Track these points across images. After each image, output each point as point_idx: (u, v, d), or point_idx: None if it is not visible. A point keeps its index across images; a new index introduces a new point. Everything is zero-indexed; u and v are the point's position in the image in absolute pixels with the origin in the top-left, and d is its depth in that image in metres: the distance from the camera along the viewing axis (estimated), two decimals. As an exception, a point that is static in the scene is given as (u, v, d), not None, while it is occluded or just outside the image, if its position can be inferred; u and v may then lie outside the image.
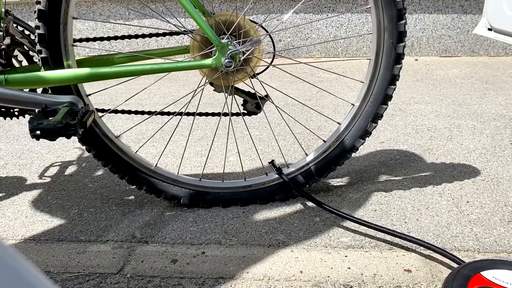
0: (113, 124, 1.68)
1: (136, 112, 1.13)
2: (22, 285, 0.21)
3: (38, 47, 0.93)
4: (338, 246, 0.95)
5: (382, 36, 1.00)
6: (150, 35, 1.09)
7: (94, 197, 1.19)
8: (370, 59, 1.04)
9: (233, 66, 0.95)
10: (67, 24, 0.93)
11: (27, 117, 1.09)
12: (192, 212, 1.10)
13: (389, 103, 1.07)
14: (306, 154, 1.13)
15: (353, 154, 1.14)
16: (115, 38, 1.06)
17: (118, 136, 1.08)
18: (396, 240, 0.95)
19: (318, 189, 1.18)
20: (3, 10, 1.00)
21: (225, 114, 1.12)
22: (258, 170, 1.30)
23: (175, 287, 0.85)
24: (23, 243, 1.00)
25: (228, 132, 1.29)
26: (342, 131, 1.09)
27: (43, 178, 1.31)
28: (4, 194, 1.23)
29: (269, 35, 1.03)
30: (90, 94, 1.04)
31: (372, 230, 0.98)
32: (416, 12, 2.53)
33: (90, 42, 1.07)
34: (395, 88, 1.04)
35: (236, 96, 1.08)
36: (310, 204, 1.11)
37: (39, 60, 0.94)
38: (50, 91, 0.97)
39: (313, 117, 1.70)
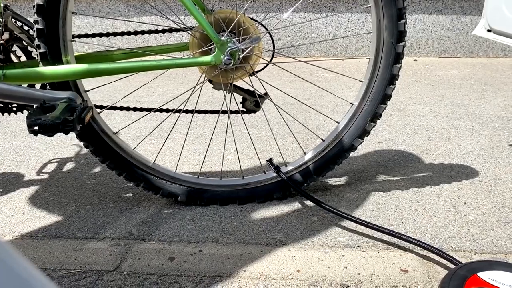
0: (111, 121, 1.68)
1: (135, 109, 1.13)
2: (18, 283, 0.21)
3: (36, 42, 0.92)
4: (335, 245, 0.95)
5: (382, 35, 1.00)
6: (150, 32, 1.09)
7: (92, 194, 1.19)
8: (369, 58, 1.04)
9: (232, 63, 0.95)
10: (66, 20, 0.92)
11: (26, 113, 1.09)
12: (190, 210, 1.10)
13: (388, 103, 1.07)
14: (305, 153, 1.13)
15: (352, 154, 1.14)
16: (114, 34, 1.06)
17: (116, 133, 1.07)
18: (393, 240, 0.95)
19: (316, 188, 1.18)
20: (2, 5, 0.99)
21: (224, 112, 1.12)
22: (256, 169, 1.30)
23: (171, 285, 0.85)
24: (20, 240, 1.00)
25: (226, 130, 1.28)
26: (340, 130, 1.09)
27: (41, 174, 1.31)
28: (1, 190, 1.22)
29: (269, 33, 1.03)
30: (88, 90, 1.04)
31: (370, 229, 0.98)
32: (416, 13, 2.53)
33: (89, 38, 1.06)
34: (394, 87, 1.04)
35: (235, 94, 1.08)
36: (307, 203, 1.11)
37: (37, 55, 0.94)
38: (48, 87, 0.97)
39: (312, 116, 1.70)
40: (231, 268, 0.89)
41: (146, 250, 0.95)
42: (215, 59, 0.95)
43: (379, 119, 1.08)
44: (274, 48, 1.04)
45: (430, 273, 0.86)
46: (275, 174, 1.11)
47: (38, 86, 1.02)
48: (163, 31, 1.11)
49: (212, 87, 1.06)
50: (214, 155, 1.39)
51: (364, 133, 1.08)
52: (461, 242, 0.95)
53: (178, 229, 1.02)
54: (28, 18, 1.09)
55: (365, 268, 0.88)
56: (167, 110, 1.14)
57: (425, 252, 0.91)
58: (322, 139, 1.12)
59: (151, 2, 2.56)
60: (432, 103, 1.82)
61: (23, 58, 1.09)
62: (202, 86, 1.06)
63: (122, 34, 1.06)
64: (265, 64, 1.05)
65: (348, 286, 0.84)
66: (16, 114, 1.13)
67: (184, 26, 1.04)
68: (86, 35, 1.06)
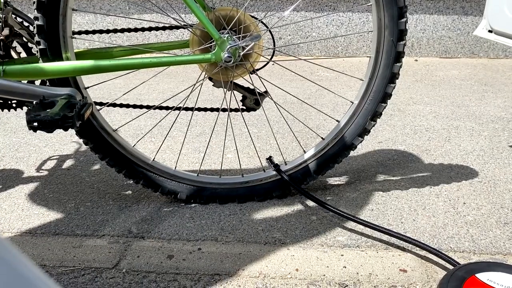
0: (111, 119, 1.67)
1: (134, 106, 1.12)
2: (19, 280, 0.21)
3: (36, 38, 0.92)
4: (334, 245, 0.95)
5: (383, 34, 0.99)
6: (150, 29, 1.08)
7: (91, 191, 1.19)
8: (370, 57, 1.04)
9: (232, 61, 0.95)
10: (67, 16, 0.92)
11: (25, 109, 1.09)
12: (189, 208, 1.10)
13: (388, 102, 1.07)
14: (304, 151, 1.13)
15: (351, 153, 1.14)
16: (115, 31, 1.05)
17: (116, 130, 1.07)
18: (392, 240, 0.95)
19: (316, 187, 1.18)
20: (2, 0, 0.99)
21: (224, 110, 1.12)
22: (256, 168, 1.30)
23: (170, 283, 0.85)
24: (19, 236, 1.00)
25: (226, 128, 1.28)
26: (341, 128, 1.08)
27: (40, 171, 1.31)
28: (0, 187, 1.22)
29: (269, 31, 1.03)
30: (88, 87, 1.03)
31: (369, 229, 0.98)
32: (417, 13, 2.52)
33: (90, 34, 1.06)
34: (394, 86, 1.04)
35: (235, 92, 1.07)
36: (307, 202, 1.11)
37: (37, 51, 0.94)
38: (48, 83, 0.96)
39: (312, 115, 1.70)
40: (230, 266, 0.89)
41: (145, 248, 0.95)
42: (215, 56, 0.95)
43: (379, 118, 1.07)
44: (274, 46, 1.04)
45: (429, 273, 0.86)
46: (274, 173, 1.11)
47: (38, 82, 1.02)
48: (164, 28, 1.10)
49: (212, 85, 1.06)
50: (214, 153, 1.39)
51: (364, 131, 1.07)
52: (460, 243, 0.95)
53: (177, 227, 1.02)
54: (29, 15, 1.09)
55: (364, 267, 0.88)
56: (167, 108, 1.14)
57: (424, 252, 0.91)
58: (322, 138, 1.12)
59: (152, 0, 2.55)
60: (433, 103, 1.82)
61: (23, 54, 1.08)
62: (202, 84, 1.06)
63: (122, 31, 1.06)
64: (265, 62, 1.04)
65: (347, 286, 0.83)
66: (15, 110, 1.12)
67: (185, 23, 1.04)
68: (86, 32, 1.06)
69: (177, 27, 1.09)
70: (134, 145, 1.11)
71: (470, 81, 2.12)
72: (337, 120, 1.12)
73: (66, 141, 1.50)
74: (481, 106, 1.77)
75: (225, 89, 1.05)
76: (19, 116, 1.73)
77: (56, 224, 1.04)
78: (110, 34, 2.56)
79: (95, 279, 0.86)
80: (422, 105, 1.80)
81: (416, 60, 2.52)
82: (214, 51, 0.95)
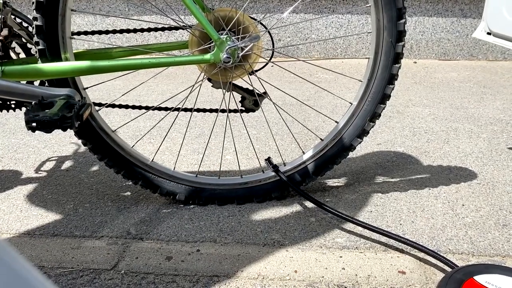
0: (110, 120, 1.67)
1: (134, 107, 1.12)
2: (17, 282, 0.20)
3: (35, 38, 0.92)
4: (333, 246, 0.94)
5: (381, 35, 1.00)
6: (149, 30, 1.08)
7: (90, 192, 1.19)
8: (368, 58, 1.04)
9: (231, 62, 0.95)
10: (66, 16, 0.92)
11: (24, 110, 1.08)
12: (188, 209, 1.09)
13: (387, 103, 1.07)
14: (303, 152, 1.13)
15: (350, 155, 1.14)
16: (114, 32, 1.05)
17: (115, 130, 1.07)
18: (391, 241, 0.95)
19: (314, 189, 1.18)
20: (1, 1, 0.99)
21: (223, 111, 1.12)
22: (255, 169, 1.29)
23: (169, 284, 0.84)
24: (17, 238, 0.99)
25: (225, 130, 1.28)
26: (339, 129, 1.08)
27: (39, 172, 1.30)
28: (-1, 187, 1.22)
29: (268, 32, 1.03)
30: (87, 88, 1.03)
31: (367, 231, 0.98)
32: (416, 15, 2.53)
33: (89, 35, 1.06)
34: (393, 87, 1.04)
35: (234, 92, 1.07)
36: (306, 204, 1.10)
37: (36, 52, 0.93)
38: (47, 84, 0.96)
39: (311, 117, 1.70)
40: (229, 268, 0.88)
41: (143, 249, 0.95)
42: (214, 57, 0.95)
43: (378, 119, 1.07)
44: (273, 47, 1.04)
45: (428, 275, 0.86)
46: (273, 174, 1.11)
47: (37, 83, 1.01)
48: (163, 29, 1.10)
49: (211, 86, 1.06)
50: (213, 154, 1.39)
51: (363, 133, 1.07)
52: (459, 245, 0.94)
53: (176, 228, 1.02)
54: (28, 15, 1.09)
55: (362, 269, 0.88)
56: (166, 109, 1.14)
57: (422, 254, 0.91)
58: (321, 139, 1.12)
59: (152, 1, 2.56)
60: (431, 105, 1.82)
61: (22, 55, 1.08)
62: (201, 85, 1.06)
63: (121, 32, 1.06)
64: (264, 63, 1.04)
65: (346, 287, 0.83)
66: (14, 111, 1.12)
67: (184, 24, 1.04)
68: (86, 33, 1.06)
69: (176, 28, 1.09)
70: (133, 145, 1.10)
71: (469, 83, 2.13)
72: (336, 121, 1.11)
73: (65, 142, 1.50)
74: (480, 108, 1.77)
75: (224, 90, 1.05)
76: (18, 117, 1.73)
77: (54, 225, 1.04)
78: (109, 35, 2.56)
79: (93, 280, 0.86)
80: (421, 107, 1.80)
81: (415, 62, 2.52)
82: (213, 52, 0.95)
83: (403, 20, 0.98)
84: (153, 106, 1.12)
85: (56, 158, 1.39)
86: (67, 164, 1.36)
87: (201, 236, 0.99)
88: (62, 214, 1.08)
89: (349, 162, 1.32)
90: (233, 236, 0.98)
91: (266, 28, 1.03)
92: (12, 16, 1.04)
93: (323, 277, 0.86)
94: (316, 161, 1.10)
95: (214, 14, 0.97)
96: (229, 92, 1.06)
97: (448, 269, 0.85)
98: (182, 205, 1.11)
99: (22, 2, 2.64)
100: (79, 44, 2.56)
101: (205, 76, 1.04)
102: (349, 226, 1.01)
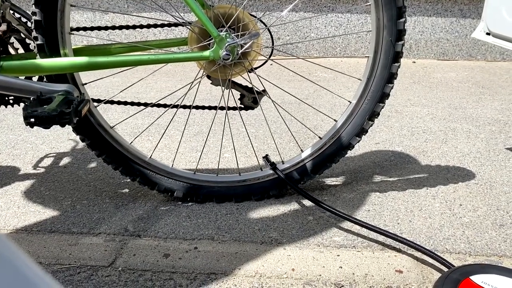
0: (108, 117, 1.66)
1: (132, 104, 1.12)
2: (16, 276, 0.20)
3: (34, 33, 0.91)
4: (331, 245, 0.94)
5: (381, 34, 0.99)
6: (148, 26, 1.08)
7: (88, 189, 1.18)
8: (368, 56, 1.04)
9: (230, 59, 0.95)
10: (65, 12, 0.91)
11: (23, 105, 1.08)
12: (186, 207, 1.09)
13: (386, 102, 1.07)
14: (302, 150, 1.13)
15: (348, 154, 1.14)
16: (113, 28, 1.05)
17: (113, 127, 1.06)
18: (389, 241, 0.95)
19: (313, 187, 1.18)
20: (0, -4, 0.98)
21: (222, 108, 1.11)
22: (253, 167, 1.29)
23: (166, 281, 0.84)
24: (14, 234, 0.99)
25: (223, 127, 1.28)
26: (338, 128, 1.08)
27: (37, 168, 1.30)
28: (-4, 183, 1.21)
29: (268, 29, 1.03)
30: (86, 83, 1.03)
31: (365, 230, 0.98)
32: (415, 15, 2.53)
33: (88, 31, 1.05)
34: (392, 86, 1.04)
35: (233, 90, 1.07)
36: (304, 202, 1.10)
37: (35, 47, 0.93)
38: (45, 79, 0.96)
39: (309, 115, 1.70)
40: (226, 265, 0.88)
41: (141, 246, 0.94)
42: (214, 54, 0.95)
43: (377, 117, 1.07)
44: (273, 44, 1.04)
45: (425, 274, 0.86)
46: (271, 171, 1.10)
47: (35, 79, 1.01)
48: (162, 25, 1.10)
49: (210, 83, 1.06)
50: (211, 152, 1.39)
51: (361, 131, 1.07)
52: (456, 244, 0.95)
53: (173, 226, 1.01)
54: (27, 10, 1.08)
55: (359, 268, 0.88)
56: (165, 106, 1.14)
57: (419, 254, 0.91)
58: (319, 137, 1.12)
59: (151, -1, 2.55)
60: (430, 105, 1.82)
61: (21, 50, 1.08)
62: (200, 82, 1.06)
63: (120, 28, 1.05)
64: (263, 61, 1.04)
65: (343, 286, 0.83)
66: (12, 106, 1.12)
67: (183, 20, 1.04)
68: (85, 28, 1.06)
69: (175, 25, 1.08)
70: (131, 142, 1.10)
71: (467, 83, 2.13)
72: (334, 120, 1.11)
73: (63, 139, 1.49)
74: (478, 109, 1.78)
75: (223, 87, 1.05)
76: (16, 113, 1.72)
77: (52, 222, 1.03)
78: (108, 31, 2.55)
79: (90, 277, 0.85)
80: (420, 106, 1.80)
81: (414, 62, 2.52)
82: (212, 49, 0.95)
83: (403, 19, 0.98)
84: (151, 103, 1.12)
85: (54, 154, 1.39)
86: (65, 160, 1.35)
87: (199, 234, 0.98)
88: (60, 211, 1.08)
89: (348, 161, 1.32)
90: (231, 234, 0.98)
91: (265, 26, 1.03)
92: (11, 11, 1.03)
93: (320, 275, 0.86)
94: (315, 160, 1.10)
95: (214, 11, 0.97)
96: (228, 90, 1.06)
97: (445, 269, 0.85)
98: (180, 203, 1.11)
99: (21, -2, 2.62)
100: (78, 40, 2.55)
101: (204, 73, 1.03)
102: (347, 225, 1.01)
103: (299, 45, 2.62)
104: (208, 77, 1.05)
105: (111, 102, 1.10)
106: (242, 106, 1.10)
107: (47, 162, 1.34)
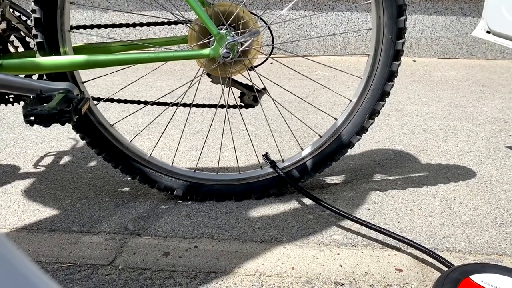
0: (108, 115, 1.66)
1: (132, 102, 1.12)
2: (15, 276, 0.20)
3: (34, 31, 0.91)
4: (331, 243, 0.94)
5: (382, 32, 0.99)
6: (148, 24, 1.08)
7: (88, 188, 1.18)
8: (368, 55, 1.04)
9: (231, 57, 0.94)
10: (65, 9, 0.91)
11: (22, 104, 1.08)
12: (186, 206, 1.09)
13: (386, 101, 1.06)
14: (302, 149, 1.13)
15: (349, 152, 1.14)
16: (113, 26, 1.05)
17: (113, 125, 1.06)
18: (388, 239, 0.95)
19: (313, 186, 1.17)
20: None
21: (222, 106, 1.11)
22: (253, 166, 1.29)
23: (166, 280, 0.84)
24: (14, 232, 0.99)
25: (223, 125, 1.28)
26: (338, 126, 1.08)
27: (37, 167, 1.30)
28: (-4, 181, 1.21)
29: (268, 27, 1.02)
30: (85, 81, 1.02)
31: (365, 228, 0.98)
32: (416, 13, 2.52)
33: (87, 29, 1.05)
34: (393, 84, 1.04)
35: (233, 88, 1.07)
36: (304, 201, 1.10)
37: (35, 45, 0.93)
38: (45, 78, 0.95)
39: (309, 114, 1.69)
40: (226, 264, 0.88)
41: (141, 245, 0.94)
42: (214, 52, 0.95)
43: (377, 116, 1.07)
44: (273, 42, 1.04)
45: (425, 273, 0.86)
46: (271, 170, 1.10)
47: (35, 77, 1.01)
48: (162, 23, 1.10)
49: (210, 81, 1.06)
50: (211, 151, 1.39)
51: (362, 129, 1.07)
52: (456, 243, 0.94)
53: (173, 224, 1.01)
54: (27, 9, 1.08)
55: (359, 266, 0.87)
56: (165, 104, 1.13)
57: (419, 252, 0.91)
58: (319, 135, 1.12)
59: (151, -3, 2.54)
60: (430, 103, 1.82)
61: (21, 49, 1.07)
62: (200, 80, 1.06)
63: (120, 26, 1.05)
64: (264, 59, 1.04)
65: (343, 285, 0.83)
66: (12, 105, 1.11)
67: (183, 18, 1.03)
68: (84, 27, 1.05)
69: (175, 23, 1.08)
70: (131, 140, 1.10)
71: (467, 82, 2.13)
72: (335, 118, 1.11)
73: (63, 137, 1.49)
74: (479, 107, 1.77)
75: (223, 86, 1.04)
76: (16, 112, 1.72)
77: (52, 221, 1.03)
78: (108, 29, 2.54)
79: (90, 275, 0.85)
80: (420, 105, 1.80)
81: (414, 61, 2.52)
82: (212, 47, 0.95)
83: (404, 17, 0.98)
84: (151, 101, 1.12)
85: (54, 153, 1.39)
86: (65, 159, 1.35)
87: (198, 232, 0.98)
88: (60, 209, 1.08)
89: (348, 160, 1.32)
90: (230, 233, 0.98)
91: (266, 24, 1.02)
92: (11, 9, 1.03)
93: (320, 274, 0.86)
94: (315, 158, 1.10)
95: (214, 9, 0.97)
96: (228, 88, 1.05)
97: (445, 268, 0.85)
98: (180, 201, 1.11)
99: (20, -4, 2.62)
100: (77, 39, 2.54)
101: (204, 71, 1.03)
102: (347, 223, 1.01)
103: (299, 44, 2.61)
104: (208, 75, 1.04)
105: (111, 100, 1.10)
106: (242, 104, 1.10)
107: (47, 160, 1.34)
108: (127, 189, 1.17)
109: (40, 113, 0.77)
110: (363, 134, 1.09)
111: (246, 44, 0.95)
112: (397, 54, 1.01)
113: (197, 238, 0.97)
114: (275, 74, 2.17)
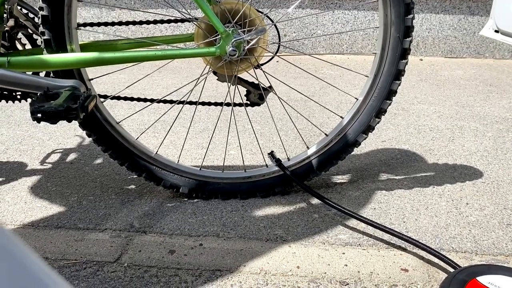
0: (115, 113, 1.67)
1: (138, 99, 1.12)
2: (23, 272, 0.20)
3: (41, 29, 0.92)
4: (336, 243, 0.94)
5: (389, 31, 0.99)
6: (155, 22, 1.08)
7: (94, 185, 1.19)
8: (375, 53, 1.03)
9: (237, 55, 0.94)
10: (72, 7, 0.91)
11: (30, 101, 1.08)
12: (191, 204, 1.09)
13: (393, 101, 1.06)
14: (308, 147, 1.12)
15: (354, 151, 1.13)
16: (119, 24, 1.05)
17: (120, 122, 1.07)
18: (394, 239, 0.94)
19: (318, 185, 1.17)
20: (7, -8, 0.98)
21: (228, 104, 1.11)
22: (258, 165, 1.29)
23: (171, 277, 0.84)
24: (21, 229, 1.00)
25: (229, 124, 1.27)
26: (345, 125, 1.08)
27: (44, 164, 1.30)
28: (4, 179, 1.22)
29: (275, 25, 1.02)
30: (92, 79, 1.03)
31: (371, 228, 0.97)
32: (423, 12, 2.50)
33: (94, 27, 1.05)
34: (399, 83, 1.03)
35: (239, 86, 1.07)
36: (309, 200, 1.10)
37: (42, 43, 0.93)
38: (52, 75, 0.96)
39: (315, 113, 1.69)
40: (231, 262, 0.88)
41: (147, 242, 0.95)
42: (220, 50, 0.94)
43: (383, 115, 1.07)
44: (279, 40, 1.03)
45: (430, 273, 0.85)
46: (277, 168, 1.10)
47: (42, 74, 1.01)
48: (169, 21, 1.10)
49: (217, 79, 1.06)
50: (217, 149, 1.39)
51: (368, 128, 1.07)
52: (462, 243, 0.94)
53: (179, 222, 1.01)
54: (34, 6, 1.09)
55: (365, 266, 0.87)
56: (171, 102, 1.13)
57: (425, 253, 0.90)
58: (325, 134, 1.11)
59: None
60: (437, 103, 1.81)
61: (28, 46, 1.08)
62: (206, 78, 1.05)
63: (127, 24, 1.05)
64: (270, 57, 1.04)
65: (348, 284, 0.83)
66: (20, 102, 1.12)
67: (190, 16, 1.03)
68: (91, 24, 1.05)
69: (182, 20, 1.08)
70: (137, 137, 1.10)
71: (475, 81, 2.11)
72: (341, 117, 1.11)
73: (70, 135, 1.50)
74: (486, 107, 1.76)
75: (229, 84, 1.04)
76: (23, 109, 1.73)
77: (58, 217, 1.04)
78: (115, 27, 2.55)
79: (96, 272, 0.86)
80: (427, 104, 1.79)
81: (421, 60, 2.50)
82: (218, 45, 0.95)
83: (411, 16, 0.97)
84: (157, 99, 1.12)
85: (61, 150, 1.39)
86: (71, 156, 1.36)
87: (204, 230, 0.98)
88: (66, 206, 1.08)
89: (353, 159, 1.32)
90: (236, 231, 0.98)
91: (272, 22, 1.02)
92: (18, 7, 1.03)
93: (325, 273, 0.85)
94: (321, 157, 1.10)
95: (221, 7, 0.96)
96: (234, 86, 1.05)
97: (451, 269, 0.84)
98: (185, 199, 1.11)
99: (28, -6, 2.63)
100: (84, 37, 2.55)
101: (210, 69, 1.03)
102: (352, 222, 1.01)
103: (305, 42, 2.60)
104: (214, 73, 1.04)
105: (118, 98, 1.10)
106: (248, 102, 1.09)
107: (54, 158, 1.35)
108: (133, 186, 1.17)
109: (47, 110, 0.77)
110: (369, 133, 1.08)
111: (252, 42, 0.95)
112: (404, 53, 1.00)
113: (203, 236, 0.97)
114: (281, 72, 2.17)
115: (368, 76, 1.06)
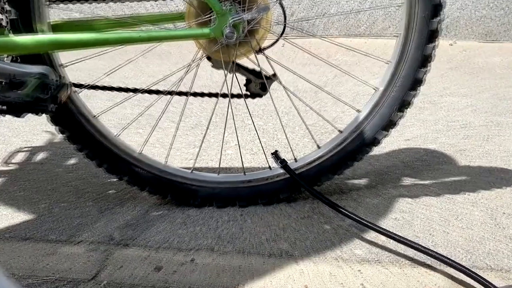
0: (92, 105, 1.67)
1: (119, 89, 1.12)
2: None
3: (6, 7, 0.92)
4: (351, 259, 0.94)
5: (414, 9, 0.99)
6: (139, -2, 1.08)
7: (67, 190, 1.19)
8: (398, 35, 1.03)
9: (235, 37, 0.94)
10: (42, -19, 0.92)
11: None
12: (181, 212, 1.10)
13: (419, 90, 1.06)
14: (318, 146, 1.13)
15: (373, 151, 1.14)
16: (97, 0, 1.05)
17: (97, 116, 1.07)
18: (419, 255, 0.95)
19: (330, 190, 1.18)
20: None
21: (224, 96, 1.11)
22: (260, 166, 1.29)
23: (157, 298, 0.85)
24: (-19, 240, 1.00)
25: (226, 118, 1.27)
26: (361, 120, 1.08)
27: (8, 165, 1.31)
28: (-39, 181, 1.22)
29: (280, 3, 1.02)
30: (65, 65, 1.03)
31: (392, 241, 0.98)
32: (454, -12, 2.51)
33: (68, 3, 1.05)
34: (426, 71, 1.03)
35: (237, 74, 1.07)
36: (320, 208, 1.11)
37: (7, 23, 0.93)
38: (19, 60, 0.96)
39: (327, 106, 1.69)
40: (228, 281, 0.89)
41: (129, 257, 0.95)
42: (215, 31, 0.95)
43: (408, 108, 1.07)
44: (285, 21, 1.03)
45: (462, 295, 0.86)
46: (282, 171, 1.11)
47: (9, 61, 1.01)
48: (156, -3, 1.10)
49: (211, 66, 1.06)
50: (212, 148, 1.39)
51: (389, 124, 1.07)
52: (499, 260, 0.94)
53: (167, 234, 1.02)
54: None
55: (385, 286, 0.87)
56: (157, 92, 1.14)
57: (455, 271, 0.91)
58: (339, 131, 1.12)
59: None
60: (470, 95, 1.82)
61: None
62: (199, 65, 1.06)
63: (106, 1, 1.05)
64: (274, 40, 1.04)
65: (365, 307, 0.83)
66: (-20, 92, 1.12)
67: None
68: (64, 0, 1.06)
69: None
70: (118, 134, 1.11)
71: (515, 70, 2.11)
72: (357, 110, 1.11)
73: (39, 131, 1.51)
74: (528, 100, 1.77)
75: (226, 71, 1.04)
76: (-15, 99, 1.73)
77: (26, 227, 1.04)
78: (92, 4, 2.55)
79: (69, 291, 0.86)
80: (458, 97, 1.79)
81: (451, 45, 2.51)
82: (213, 25, 0.95)
83: (441, -9, 0.97)
84: (142, 89, 1.12)
85: (29, 148, 1.40)
86: (40, 156, 1.36)
87: (196, 244, 0.99)
88: (35, 214, 1.09)
89: (372, 160, 1.32)
90: (233, 244, 0.99)
91: (277, -2, 1.02)
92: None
93: (338, 294, 0.86)
94: (333, 157, 1.10)
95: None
96: (232, 74, 1.05)
97: (487, 288, 0.84)
98: (174, 207, 1.11)
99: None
100: (56, 15, 2.55)
101: (204, 54, 1.03)
102: (371, 235, 1.01)
103: (316, 22, 2.60)
104: (209, 59, 1.05)
105: (95, 87, 1.11)
106: (248, 93, 1.10)
107: (20, 157, 1.35)
108: (113, 191, 1.18)
109: (12, 101, 0.78)
110: (391, 129, 1.08)
111: (253, 23, 0.95)
112: (432, 35, 1.00)
113: (195, 250, 0.97)
114: (287, 58, 2.17)
115: (389, 63, 1.06)
